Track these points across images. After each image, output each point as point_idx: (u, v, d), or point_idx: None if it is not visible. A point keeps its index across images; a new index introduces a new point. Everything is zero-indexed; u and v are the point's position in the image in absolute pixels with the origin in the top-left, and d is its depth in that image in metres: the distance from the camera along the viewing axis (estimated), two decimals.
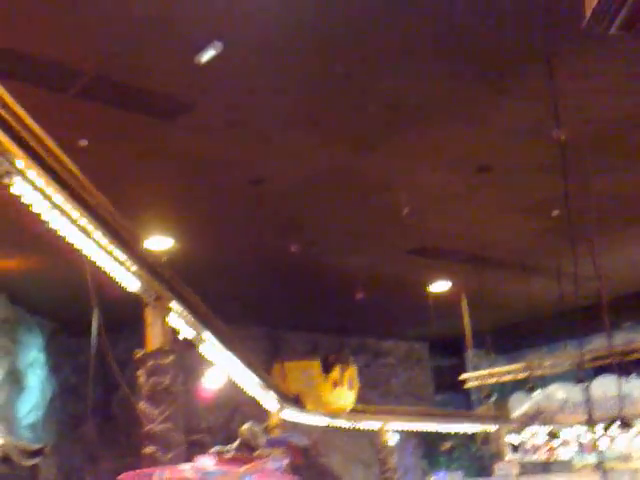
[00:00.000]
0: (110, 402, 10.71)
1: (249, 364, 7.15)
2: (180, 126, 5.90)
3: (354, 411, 10.89)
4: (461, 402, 13.84)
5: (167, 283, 4.89)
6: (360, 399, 13.02)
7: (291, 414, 9.12)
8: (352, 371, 9.12)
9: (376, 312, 11.90)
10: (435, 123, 6.14)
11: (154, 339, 4.83)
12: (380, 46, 5.07)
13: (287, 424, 9.45)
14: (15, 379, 9.66)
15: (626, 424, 7.30)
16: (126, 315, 5.28)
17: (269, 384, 8.06)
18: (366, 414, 10.89)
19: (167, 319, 4.95)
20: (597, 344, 9.38)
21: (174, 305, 5.06)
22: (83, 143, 5.97)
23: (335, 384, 8.77)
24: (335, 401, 8.93)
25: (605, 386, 8.84)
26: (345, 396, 9.05)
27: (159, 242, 7.90)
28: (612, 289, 10.26)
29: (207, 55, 4.88)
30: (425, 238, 8.89)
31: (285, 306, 11.46)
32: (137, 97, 5.50)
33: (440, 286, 10.62)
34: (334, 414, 10.42)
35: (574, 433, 9.84)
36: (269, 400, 8.44)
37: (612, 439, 8.89)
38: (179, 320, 5.31)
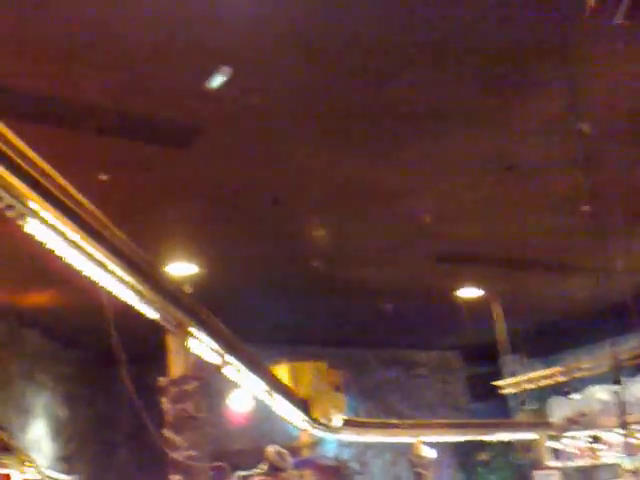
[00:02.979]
0: (144, 429, 10.67)
1: (275, 385, 7.06)
2: (195, 152, 5.93)
3: (388, 425, 10.73)
4: (499, 410, 13.60)
5: (187, 309, 4.83)
6: (394, 412, 12.90)
7: (322, 432, 8.96)
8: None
9: (406, 323, 11.78)
10: (452, 127, 6.04)
11: (177, 366, 4.76)
12: (390, 54, 5.00)
13: (323, 442, 9.35)
14: (50, 412, 9.75)
15: None
16: (157, 343, 5.27)
17: (297, 403, 7.93)
18: (400, 428, 10.71)
19: (189, 345, 4.88)
20: (634, 343, 9.14)
21: (195, 331, 4.99)
22: (103, 177, 6.03)
23: (337, 388, 8.37)
24: (337, 407, 8.48)
25: None
26: (343, 402, 8.65)
27: (183, 269, 7.90)
28: None
29: (216, 80, 4.89)
30: (451, 244, 8.77)
31: (313, 323, 11.40)
32: (150, 127, 5.57)
33: (470, 292, 10.45)
34: (367, 429, 10.28)
35: (618, 435, 9.58)
36: (298, 419, 8.32)
37: None
38: (202, 346, 5.25)
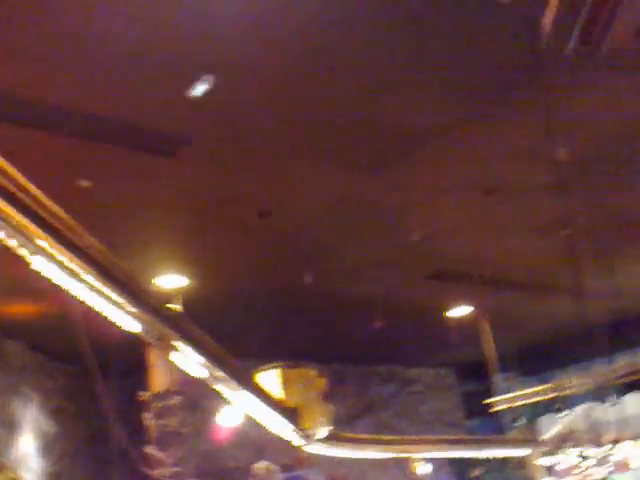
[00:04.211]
0: (137, 446, 10.64)
1: (264, 398, 7.06)
2: (182, 161, 5.90)
3: (382, 441, 10.70)
4: (494, 427, 13.60)
5: (171, 322, 4.84)
6: (390, 429, 12.88)
7: (317, 448, 8.91)
8: None
9: (400, 340, 11.79)
10: (440, 148, 6.13)
11: (159, 380, 4.80)
12: (382, 73, 5.09)
13: (318, 458, 9.30)
14: (39, 427, 9.65)
15: None
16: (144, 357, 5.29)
17: (291, 419, 7.89)
18: (395, 444, 10.70)
19: (172, 359, 4.91)
20: (623, 361, 9.21)
21: (180, 344, 5.02)
22: (86, 184, 5.99)
23: (325, 396, 7.80)
24: (326, 417, 8.11)
25: (632, 404, 8.65)
26: (331, 412, 8.28)
27: (173, 281, 7.90)
28: (636, 306, 10.10)
29: (199, 89, 4.90)
30: (442, 262, 8.83)
31: (308, 338, 11.40)
32: (135, 134, 5.52)
33: (462, 310, 10.52)
34: (362, 445, 10.25)
35: (606, 452, 9.62)
36: (292, 435, 8.30)
37: None
38: (187, 359, 5.27)
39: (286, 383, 7.52)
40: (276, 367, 7.57)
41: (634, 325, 9.89)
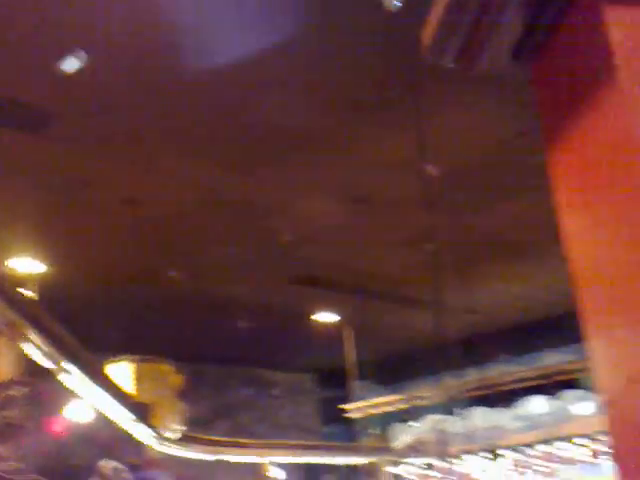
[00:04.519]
0: None
1: (119, 396, 6.84)
2: (45, 139, 5.62)
3: (238, 444, 10.64)
4: (348, 434, 13.84)
5: (21, 308, 4.61)
6: (247, 432, 12.82)
7: (169, 448, 8.72)
8: None
9: (263, 343, 11.79)
10: (311, 152, 6.17)
11: (3, 369, 4.55)
12: (255, 75, 5.04)
13: (168, 458, 9.10)
14: None
15: (496, 455, 7.45)
16: None
17: (143, 417, 7.67)
18: (250, 447, 10.66)
19: (19, 347, 4.68)
20: (474, 375, 9.61)
21: (29, 332, 4.78)
22: None
23: (181, 395, 7.61)
24: (180, 416, 7.72)
25: (480, 417, 9.05)
26: (185, 411, 7.90)
27: (27, 265, 7.49)
28: (488, 322, 10.60)
29: (71, 65, 4.66)
30: (308, 268, 8.90)
31: (168, 336, 11.16)
32: None
33: (325, 317, 10.63)
34: (216, 447, 10.14)
35: (452, 464, 9.99)
36: (144, 434, 8.08)
37: (485, 470, 9.09)
38: (36, 349, 5.03)
39: (139, 378, 7.26)
40: (129, 360, 7.31)
41: (486, 340, 10.37)
